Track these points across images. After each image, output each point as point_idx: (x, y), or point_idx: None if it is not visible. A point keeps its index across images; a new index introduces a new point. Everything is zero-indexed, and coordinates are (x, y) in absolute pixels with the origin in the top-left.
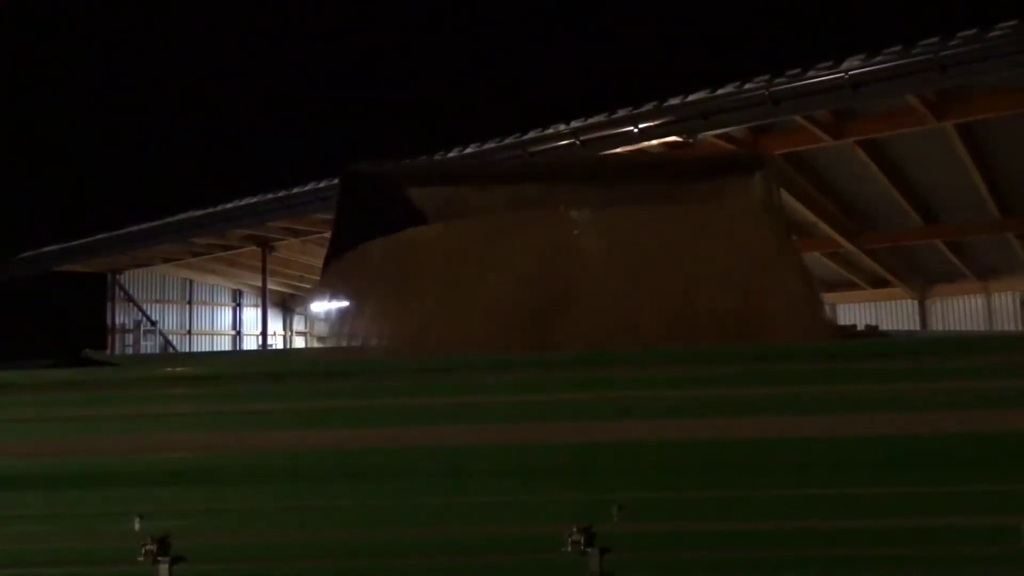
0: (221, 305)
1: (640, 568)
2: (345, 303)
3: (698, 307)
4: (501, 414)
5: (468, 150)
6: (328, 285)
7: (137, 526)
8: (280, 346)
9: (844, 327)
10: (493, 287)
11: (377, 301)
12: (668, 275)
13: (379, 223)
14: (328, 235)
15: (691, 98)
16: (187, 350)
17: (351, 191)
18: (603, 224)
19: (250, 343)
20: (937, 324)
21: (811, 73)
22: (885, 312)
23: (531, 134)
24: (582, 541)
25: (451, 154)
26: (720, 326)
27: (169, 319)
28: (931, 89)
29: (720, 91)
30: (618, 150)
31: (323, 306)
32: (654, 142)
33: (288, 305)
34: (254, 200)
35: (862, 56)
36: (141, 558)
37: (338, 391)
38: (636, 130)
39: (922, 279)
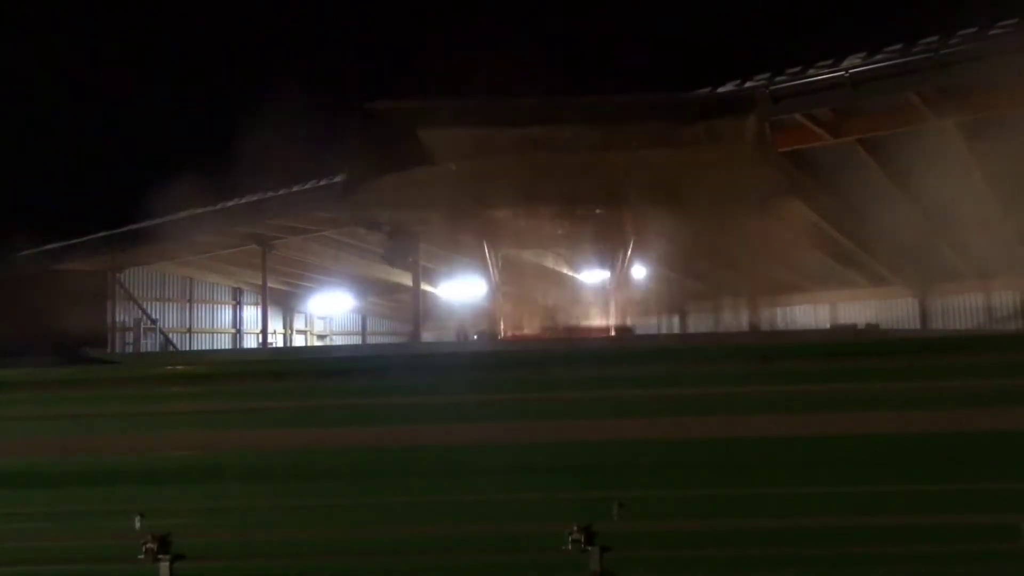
0: (221, 303)
1: (640, 566)
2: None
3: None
4: (502, 412)
5: None
6: (348, 211)
7: (138, 524)
8: (280, 344)
9: (845, 326)
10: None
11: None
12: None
13: (397, 157)
14: (328, 233)
15: (692, 96)
16: (187, 348)
17: (369, 126)
18: (610, 163)
19: (250, 341)
20: (937, 323)
21: (812, 71)
22: (885, 311)
23: None
24: (583, 539)
25: None
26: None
27: (169, 317)
28: (932, 87)
29: (721, 89)
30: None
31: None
32: None
33: (288, 303)
34: (254, 198)
35: (863, 54)
36: (142, 556)
37: (338, 389)
38: None
39: (922, 277)
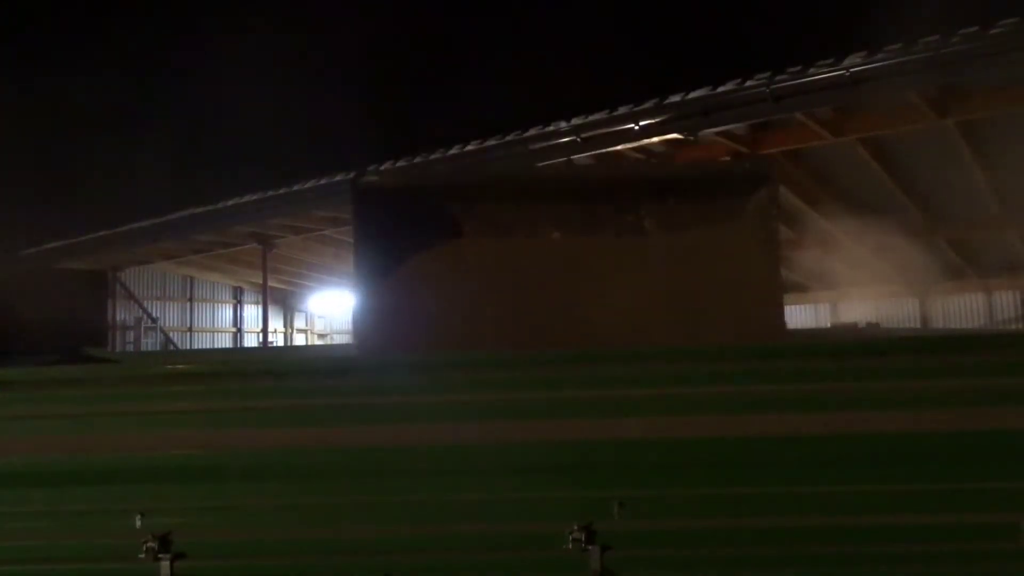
0: (222, 302)
1: (641, 565)
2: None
3: (682, 323)
4: (502, 411)
5: (468, 148)
6: (359, 305)
7: (138, 523)
8: (281, 343)
9: (845, 325)
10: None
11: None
12: (658, 294)
13: (395, 237)
14: (328, 232)
15: (692, 95)
16: (188, 347)
17: (364, 205)
18: (598, 249)
19: (251, 340)
20: (937, 323)
21: (812, 70)
22: (886, 311)
23: (532, 131)
24: (583, 539)
25: (451, 152)
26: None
27: (170, 316)
28: (932, 86)
29: (721, 88)
30: (619, 147)
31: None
32: (655, 139)
33: (289, 302)
34: (255, 197)
35: (863, 53)
36: (142, 555)
37: (338, 388)
38: (637, 127)
39: (923, 277)
